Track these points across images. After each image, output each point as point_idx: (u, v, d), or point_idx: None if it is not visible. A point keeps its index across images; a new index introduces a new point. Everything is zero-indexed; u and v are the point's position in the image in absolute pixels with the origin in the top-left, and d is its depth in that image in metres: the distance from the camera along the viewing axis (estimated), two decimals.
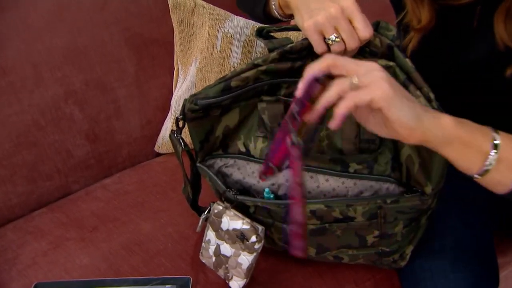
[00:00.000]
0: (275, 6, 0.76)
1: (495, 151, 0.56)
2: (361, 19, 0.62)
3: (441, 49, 0.79)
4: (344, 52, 0.65)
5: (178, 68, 1.14)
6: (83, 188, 1.07)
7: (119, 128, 1.11)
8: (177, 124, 0.75)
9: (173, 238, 0.90)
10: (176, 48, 1.12)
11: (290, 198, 0.56)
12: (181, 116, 0.74)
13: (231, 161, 0.78)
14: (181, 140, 0.76)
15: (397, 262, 0.79)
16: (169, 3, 1.09)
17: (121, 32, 1.08)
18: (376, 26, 0.69)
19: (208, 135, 0.76)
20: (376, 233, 0.73)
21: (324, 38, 0.65)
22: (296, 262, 0.84)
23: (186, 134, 0.80)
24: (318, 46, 0.65)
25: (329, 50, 0.65)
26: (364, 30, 0.62)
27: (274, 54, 0.70)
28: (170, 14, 1.09)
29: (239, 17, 1.11)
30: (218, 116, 0.75)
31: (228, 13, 1.10)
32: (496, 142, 0.57)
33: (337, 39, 0.63)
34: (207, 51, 1.08)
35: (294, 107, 0.55)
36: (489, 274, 0.80)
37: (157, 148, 1.17)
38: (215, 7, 1.09)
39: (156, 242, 0.89)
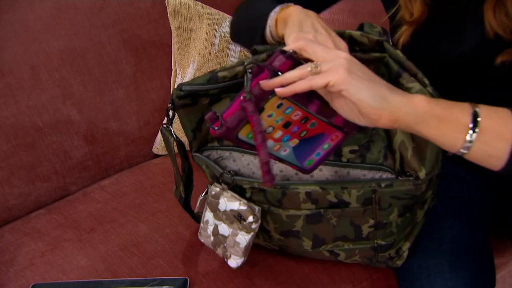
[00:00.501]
0: (270, 28, 0.76)
1: (475, 120, 0.55)
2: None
3: (432, 42, 0.79)
4: None
5: (176, 70, 1.15)
6: (80, 189, 1.08)
7: (117, 130, 1.11)
8: (167, 115, 0.76)
9: (171, 239, 0.90)
10: (174, 50, 1.13)
11: (256, 145, 0.62)
12: (171, 105, 0.75)
13: (226, 153, 0.78)
14: (172, 132, 0.77)
15: (393, 260, 0.79)
16: (166, 4, 1.09)
17: (119, 33, 1.08)
18: (361, 27, 0.71)
19: (200, 124, 0.77)
20: (371, 222, 0.73)
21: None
22: (292, 263, 0.84)
23: (182, 137, 0.80)
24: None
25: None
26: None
27: (263, 56, 0.71)
28: (168, 15, 1.10)
29: None
30: (207, 105, 0.76)
31: (226, 14, 1.11)
32: (476, 110, 0.55)
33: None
34: (205, 52, 1.09)
35: (254, 69, 0.60)
36: (486, 274, 0.80)
37: (154, 150, 1.17)
38: (212, 8, 1.10)
39: (154, 243, 0.89)
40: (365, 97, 0.55)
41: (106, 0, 1.06)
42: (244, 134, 0.65)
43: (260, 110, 0.63)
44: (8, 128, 0.98)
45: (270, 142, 0.65)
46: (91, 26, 1.05)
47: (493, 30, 0.68)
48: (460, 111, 0.56)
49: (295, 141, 0.65)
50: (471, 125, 0.55)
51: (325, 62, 0.56)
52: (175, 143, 0.78)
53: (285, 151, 0.66)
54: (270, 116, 0.63)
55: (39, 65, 1.00)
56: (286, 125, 0.64)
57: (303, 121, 0.64)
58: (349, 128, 0.65)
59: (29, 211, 1.02)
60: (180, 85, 0.74)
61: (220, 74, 0.73)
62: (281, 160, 0.67)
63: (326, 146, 0.66)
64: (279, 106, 0.62)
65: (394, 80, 0.66)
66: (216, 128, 0.61)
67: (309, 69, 0.56)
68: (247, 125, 0.64)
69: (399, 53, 0.67)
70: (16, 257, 0.89)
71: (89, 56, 1.05)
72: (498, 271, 0.90)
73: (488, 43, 0.70)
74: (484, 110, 0.56)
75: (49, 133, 1.02)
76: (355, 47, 0.70)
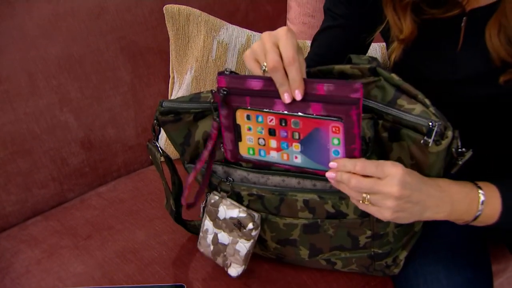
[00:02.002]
0: None
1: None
2: (283, 43, 0.59)
3: (423, 62, 0.78)
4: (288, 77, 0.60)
5: (174, 77, 1.15)
6: (78, 196, 1.07)
7: (114, 136, 1.11)
8: (153, 131, 0.77)
9: (168, 246, 0.90)
10: (172, 57, 1.13)
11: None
12: (155, 121, 0.76)
13: (219, 168, 0.78)
14: (159, 148, 0.79)
15: (390, 268, 0.79)
16: (164, 12, 1.10)
17: (116, 40, 1.08)
18: (349, 60, 0.70)
19: (188, 138, 0.77)
20: (369, 233, 0.73)
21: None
22: (290, 271, 0.84)
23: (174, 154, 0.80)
24: (255, 74, 0.64)
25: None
26: (284, 51, 0.59)
27: None
28: (166, 22, 1.10)
29: (234, 26, 1.12)
30: (192, 121, 0.76)
31: (223, 21, 1.11)
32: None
33: (266, 68, 0.61)
34: (203, 59, 1.09)
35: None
36: (483, 281, 0.80)
37: None
38: (210, 16, 1.10)
39: (151, 250, 0.89)
40: (405, 220, 0.64)
41: (104, 7, 1.07)
42: (244, 151, 0.65)
43: (238, 127, 0.64)
44: (5, 134, 0.98)
45: (274, 154, 0.64)
46: (88, 33, 1.05)
47: (499, 57, 0.67)
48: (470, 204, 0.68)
49: (297, 146, 0.63)
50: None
51: (374, 190, 0.60)
52: (162, 158, 0.80)
53: (297, 158, 0.64)
54: (249, 129, 0.63)
55: (36, 72, 1.00)
56: (271, 132, 0.63)
57: (283, 124, 0.61)
58: (340, 113, 0.58)
59: (26, 218, 1.02)
60: (161, 101, 0.76)
61: (203, 95, 0.74)
62: (302, 168, 0.64)
63: (335, 141, 0.60)
64: (248, 117, 0.63)
65: (391, 102, 0.66)
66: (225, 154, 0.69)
67: (360, 197, 0.61)
68: (241, 142, 0.65)
69: (394, 76, 0.66)
70: (12, 264, 0.89)
71: (87, 62, 1.05)
72: (495, 278, 0.90)
73: (491, 67, 0.69)
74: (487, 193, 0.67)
75: (46, 140, 1.02)
76: (347, 79, 0.70)
